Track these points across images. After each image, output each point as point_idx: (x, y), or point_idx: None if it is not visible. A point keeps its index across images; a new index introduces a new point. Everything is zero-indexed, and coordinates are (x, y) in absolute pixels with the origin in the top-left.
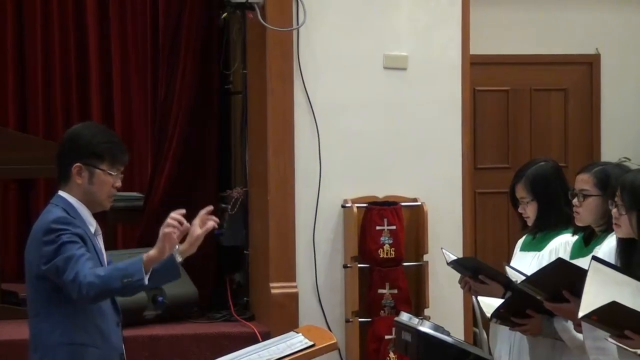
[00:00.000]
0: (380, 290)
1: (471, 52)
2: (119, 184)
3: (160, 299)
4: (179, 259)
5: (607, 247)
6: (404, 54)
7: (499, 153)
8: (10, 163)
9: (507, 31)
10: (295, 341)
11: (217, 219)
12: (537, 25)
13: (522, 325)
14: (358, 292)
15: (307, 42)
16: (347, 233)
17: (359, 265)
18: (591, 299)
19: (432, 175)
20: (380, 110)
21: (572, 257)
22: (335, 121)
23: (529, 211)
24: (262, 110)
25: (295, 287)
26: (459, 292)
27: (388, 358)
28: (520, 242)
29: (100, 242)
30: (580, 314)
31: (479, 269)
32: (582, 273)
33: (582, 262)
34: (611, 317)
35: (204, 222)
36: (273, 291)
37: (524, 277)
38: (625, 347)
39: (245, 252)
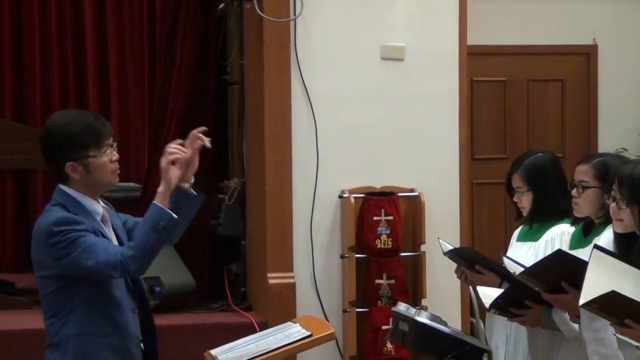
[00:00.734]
0: (378, 281)
1: (468, 43)
2: (116, 156)
3: (157, 289)
4: (186, 186)
5: (606, 239)
6: (401, 45)
7: (496, 144)
8: (7, 153)
9: (504, 22)
10: (293, 331)
11: (206, 139)
12: (534, 16)
13: (520, 316)
14: (355, 282)
15: (304, 33)
16: (344, 223)
17: (356, 255)
18: (592, 287)
19: (429, 166)
20: (377, 100)
21: (571, 248)
22: (333, 112)
23: (525, 201)
24: (260, 101)
25: (293, 277)
26: (456, 282)
27: (385, 348)
28: (516, 232)
29: (109, 229)
30: (581, 302)
31: (475, 259)
32: (581, 264)
33: (582, 253)
34: (611, 306)
35: (193, 141)
36: (270, 281)
37: (521, 268)
38: (627, 338)
39: (242, 242)
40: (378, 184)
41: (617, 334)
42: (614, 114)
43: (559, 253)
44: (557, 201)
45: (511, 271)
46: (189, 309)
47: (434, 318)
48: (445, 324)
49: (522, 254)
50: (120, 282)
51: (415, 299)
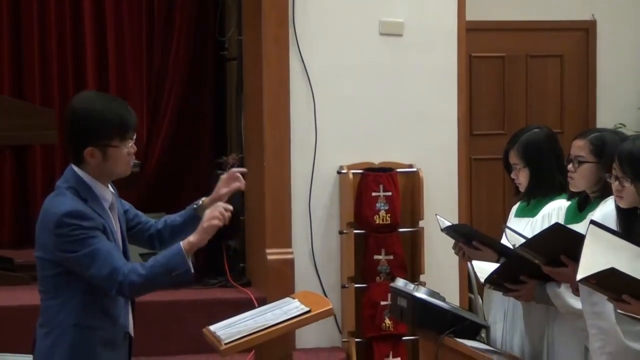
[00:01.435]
0: (376, 256)
1: (467, 19)
2: (133, 149)
3: None
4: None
5: (600, 213)
6: (399, 21)
7: (494, 119)
8: (6, 130)
9: None
10: (292, 307)
11: (243, 181)
12: None
13: (515, 291)
14: (354, 258)
15: (302, 8)
16: (342, 199)
17: (355, 231)
18: (589, 263)
19: (427, 142)
20: (376, 76)
21: (566, 223)
22: (331, 87)
23: (521, 177)
24: (258, 77)
25: (291, 253)
26: (454, 258)
27: (384, 324)
28: (514, 208)
29: (115, 217)
30: (579, 277)
31: (472, 235)
32: (579, 237)
33: (577, 228)
34: (610, 282)
35: (230, 182)
36: (269, 257)
37: (522, 239)
38: (625, 312)
39: (241, 218)
40: (376, 159)
41: (619, 311)
42: (612, 89)
43: (557, 226)
44: (554, 177)
45: (512, 242)
46: (188, 285)
47: (432, 294)
48: (444, 300)
49: (520, 229)
50: None
51: (414, 275)
